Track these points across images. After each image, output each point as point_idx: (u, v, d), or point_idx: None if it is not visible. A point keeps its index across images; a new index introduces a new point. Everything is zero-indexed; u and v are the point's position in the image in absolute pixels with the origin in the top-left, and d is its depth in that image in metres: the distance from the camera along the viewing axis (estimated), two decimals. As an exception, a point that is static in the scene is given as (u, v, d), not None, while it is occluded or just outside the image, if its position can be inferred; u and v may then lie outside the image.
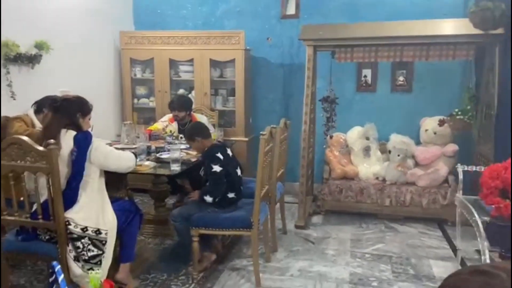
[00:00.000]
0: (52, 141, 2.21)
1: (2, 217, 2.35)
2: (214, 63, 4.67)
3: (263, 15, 4.78)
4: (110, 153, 2.48)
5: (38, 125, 3.16)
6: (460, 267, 3.03)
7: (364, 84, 4.62)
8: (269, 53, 4.83)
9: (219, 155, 2.86)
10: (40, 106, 3.14)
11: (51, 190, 2.23)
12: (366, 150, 4.34)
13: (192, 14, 4.98)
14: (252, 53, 4.80)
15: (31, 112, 3.19)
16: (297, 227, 3.87)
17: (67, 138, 2.36)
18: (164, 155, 3.14)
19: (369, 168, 4.25)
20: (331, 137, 4.15)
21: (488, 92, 3.68)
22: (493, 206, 2.53)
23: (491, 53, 3.62)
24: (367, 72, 4.61)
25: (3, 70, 3.30)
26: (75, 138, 2.36)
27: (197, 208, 2.96)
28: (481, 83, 3.86)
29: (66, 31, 4.02)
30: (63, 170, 2.31)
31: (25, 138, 2.22)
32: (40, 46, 3.57)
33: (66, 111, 2.40)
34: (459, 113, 3.84)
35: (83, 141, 2.36)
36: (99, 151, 2.41)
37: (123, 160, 2.56)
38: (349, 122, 4.54)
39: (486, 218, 2.58)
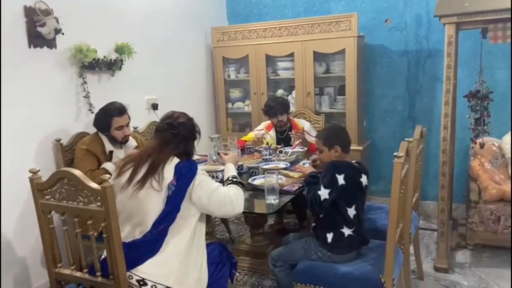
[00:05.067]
0: (107, 176, 1.62)
1: (57, 270, 1.85)
2: (318, 57, 3.84)
3: (380, -9, 3.81)
4: (215, 192, 1.82)
5: (110, 148, 2.70)
6: None
7: (526, 71, 3.38)
8: (388, 38, 3.83)
9: (341, 179, 2.06)
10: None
11: (109, 243, 1.65)
12: (533, 162, 3.15)
13: (292, 0, 4.21)
14: (366, 41, 3.87)
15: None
16: (437, 269, 2.87)
17: (169, 167, 1.80)
18: (258, 180, 2.42)
19: (538, 187, 3.05)
20: (482, 145, 3.04)
21: None
22: None
23: None
24: (530, 55, 3.36)
25: (80, 80, 2.90)
26: (176, 168, 1.78)
27: (303, 250, 2.20)
28: None
29: (150, 32, 3.55)
30: (156, 209, 1.75)
31: (75, 171, 1.67)
32: (121, 50, 3.12)
33: (183, 139, 1.86)
34: None
35: (185, 174, 1.77)
36: (202, 189, 1.79)
37: (228, 203, 1.84)
38: (505, 123, 3.37)
39: None
